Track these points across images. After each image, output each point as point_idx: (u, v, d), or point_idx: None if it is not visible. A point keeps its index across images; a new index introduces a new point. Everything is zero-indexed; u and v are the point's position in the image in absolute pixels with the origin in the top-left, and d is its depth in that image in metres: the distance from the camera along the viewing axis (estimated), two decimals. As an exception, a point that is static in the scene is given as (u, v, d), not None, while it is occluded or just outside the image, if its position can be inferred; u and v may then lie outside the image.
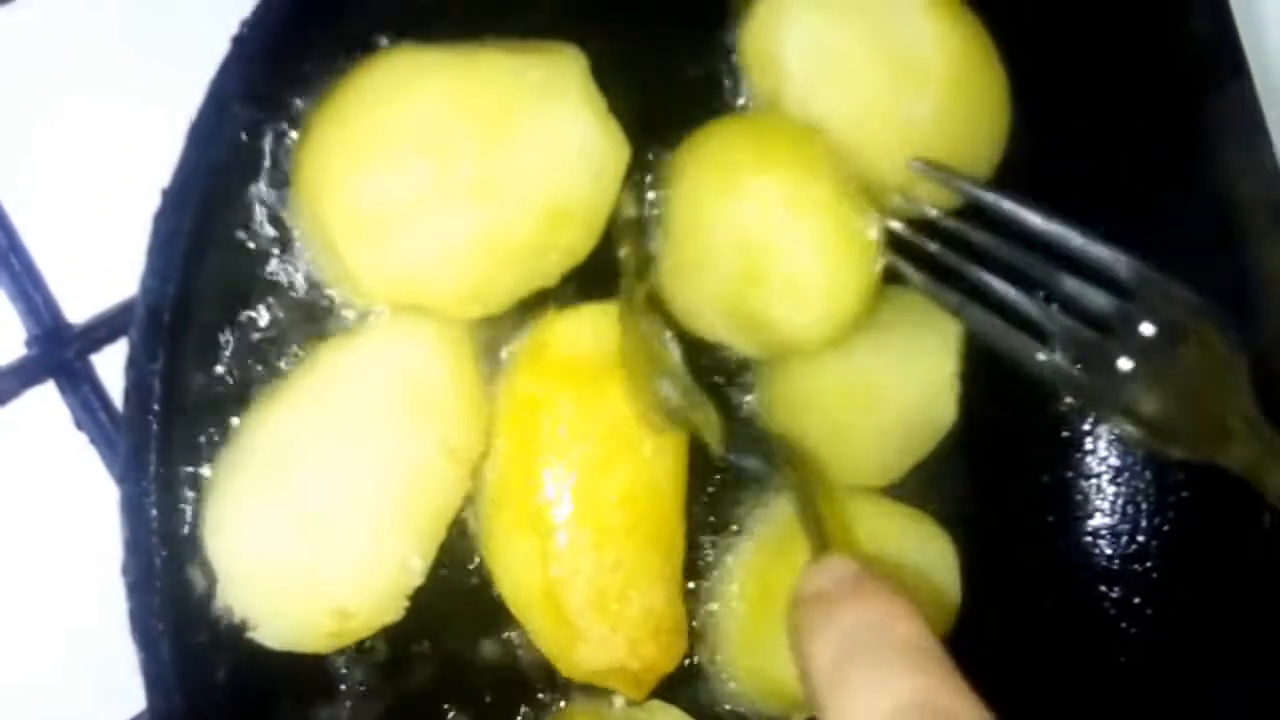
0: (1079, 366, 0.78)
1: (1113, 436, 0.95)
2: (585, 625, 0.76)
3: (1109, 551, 0.95)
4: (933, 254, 0.81)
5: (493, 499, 0.78)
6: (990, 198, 0.81)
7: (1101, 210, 0.92)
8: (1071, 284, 0.79)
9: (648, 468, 0.78)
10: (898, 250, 0.80)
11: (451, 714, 0.83)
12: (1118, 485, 0.95)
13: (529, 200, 0.75)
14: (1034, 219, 0.79)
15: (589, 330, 0.80)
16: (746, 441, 0.79)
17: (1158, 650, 0.93)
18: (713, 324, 0.83)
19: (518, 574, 0.77)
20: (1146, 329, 0.78)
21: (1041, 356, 0.79)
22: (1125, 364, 0.78)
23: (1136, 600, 0.94)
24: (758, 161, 0.79)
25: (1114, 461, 0.96)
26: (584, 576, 0.76)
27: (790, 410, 0.87)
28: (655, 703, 0.83)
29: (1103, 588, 0.95)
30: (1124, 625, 0.94)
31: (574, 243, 0.78)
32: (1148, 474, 0.95)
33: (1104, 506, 0.95)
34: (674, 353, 0.79)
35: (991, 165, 0.88)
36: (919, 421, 0.88)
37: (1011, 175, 0.88)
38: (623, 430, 0.77)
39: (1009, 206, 0.80)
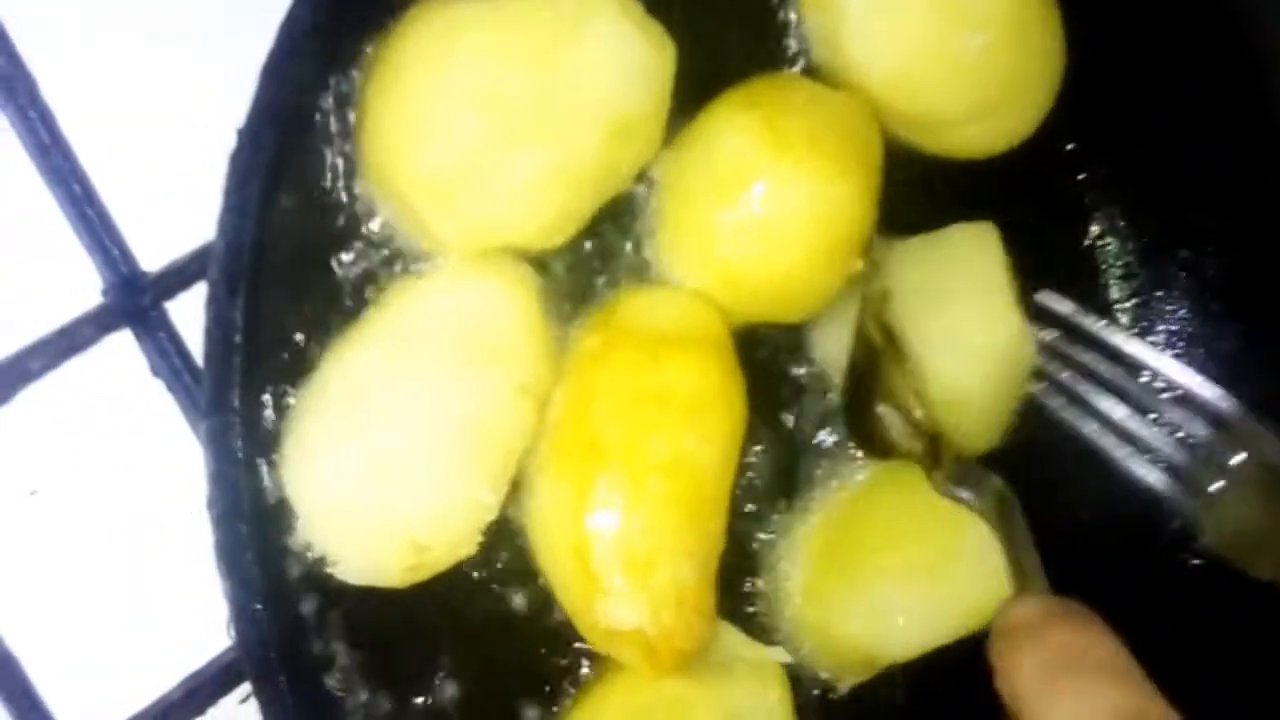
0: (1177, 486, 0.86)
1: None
2: (608, 579, 0.75)
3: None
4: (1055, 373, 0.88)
5: (541, 445, 0.79)
6: (1106, 330, 0.88)
7: (1149, 155, 0.94)
8: (1173, 412, 0.86)
9: (694, 446, 0.78)
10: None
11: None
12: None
13: (589, 125, 0.76)
14: (1143, 352, 0.87)
15: (659, 307, 0.81)
16: (963, 477, 0.80)
17: (1215, 578, 0.92)
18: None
19: (551, 520, 0.78)
20: (1236, 459, 0.85)
21: (1145, 473, 0.86)
22: (1215, 487, 0.85)
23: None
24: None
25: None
26: (615, 533, 0.75)
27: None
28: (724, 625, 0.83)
29: (1161, 518, 0.94)
30: (1182, 554, 0.94)
31: (640, 151, 0.80)
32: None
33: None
34: (907, 385, 0.83)
35: (1045, 106, 0.89)
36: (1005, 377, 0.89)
37: (1064, 116, 0.89)
38: (674, 403, 0.77)
39: (1121, 339, 0.87)
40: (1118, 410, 0.87)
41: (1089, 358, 0.87)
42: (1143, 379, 0.87)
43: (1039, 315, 0.88)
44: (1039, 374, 0.88)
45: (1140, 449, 0.86)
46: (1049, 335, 0.88)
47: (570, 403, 0.79)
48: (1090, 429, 0.87)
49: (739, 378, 0.81)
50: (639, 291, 0.83)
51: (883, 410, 0.83)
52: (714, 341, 0.81)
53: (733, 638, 0.84)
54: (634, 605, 0.76)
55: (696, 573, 0.78)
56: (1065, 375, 0.88)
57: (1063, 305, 0.88)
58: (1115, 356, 0.87)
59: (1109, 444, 0.87)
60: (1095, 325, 0.88)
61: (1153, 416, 0.87)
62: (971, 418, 0.87)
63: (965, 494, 0.79)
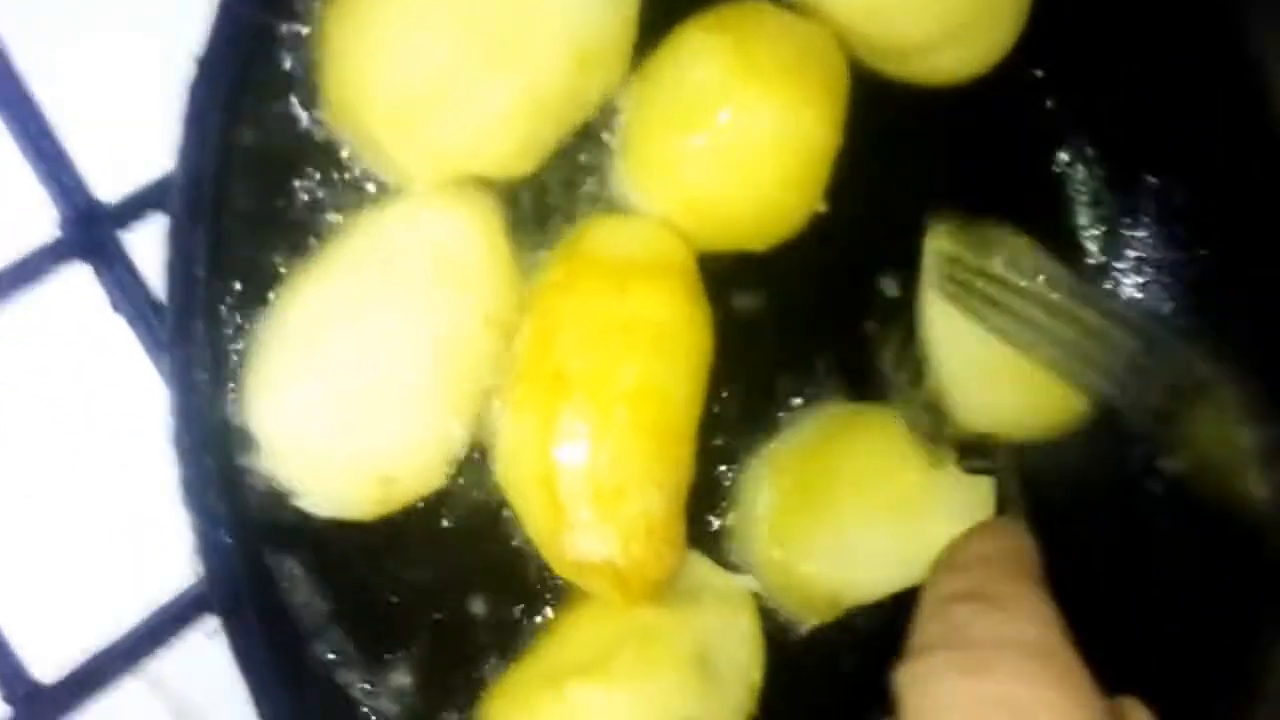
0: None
1: (1138, 298, 0.96)
2: (575, 511, 0.75)
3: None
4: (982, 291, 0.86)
5: (507, 377, 0.78)
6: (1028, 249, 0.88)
7: (1116, 82, 0.93)
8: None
9: (661, 374, 0.77)
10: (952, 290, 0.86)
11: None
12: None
13: (556, 51, 0.75)
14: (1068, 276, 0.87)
15: (625, 235, 0.81)
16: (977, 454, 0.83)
17: (1180, 512, 0.93)
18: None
19: (517, 451, 0.77)
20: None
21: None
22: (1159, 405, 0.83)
23: (1159, 462, 0.94)
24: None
25: (1138, 323, 0.96)
26: (581, 463, 0.75)
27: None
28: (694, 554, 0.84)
29: (1127, 446, 0.95)
30: (1146, 486, 0.94)
31: (606, 79, 0.79)
32: (1170, 335, 0.95)
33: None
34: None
35: (1013, 32, 0.88)
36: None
37: (1032, 42, 0.88)
38: (640, 332, 0.77)
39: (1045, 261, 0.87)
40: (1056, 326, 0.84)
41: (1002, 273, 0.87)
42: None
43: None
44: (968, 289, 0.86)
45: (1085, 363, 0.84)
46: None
47: (535, 333, 0.78)
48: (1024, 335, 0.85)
49: (705, 307, 0.81)
50: (604, 220, 0.82)
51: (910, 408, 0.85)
52: (680, 270, 0.80)
53: (701, 566, 0.85)
54: (603, 536, 0.75)
55: (665, 502, 0.77)
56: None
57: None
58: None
59: (1056, 356, 0.84)
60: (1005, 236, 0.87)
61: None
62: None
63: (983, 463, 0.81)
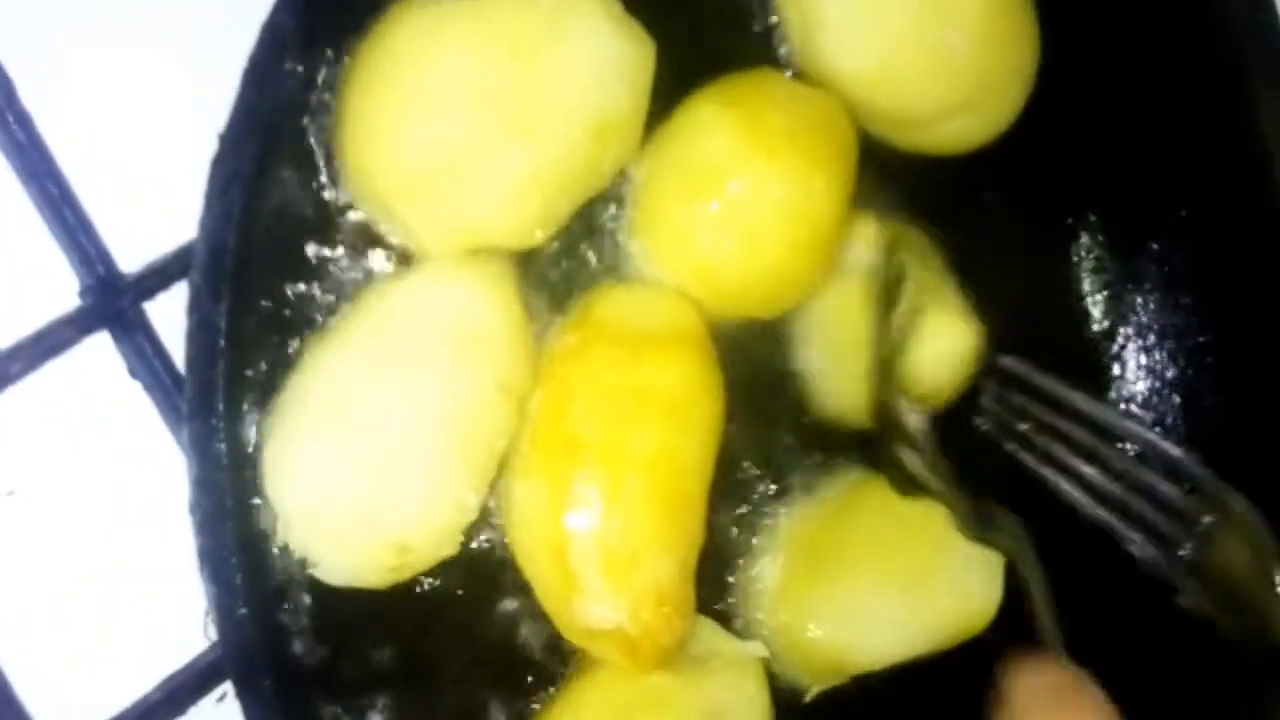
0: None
1: (1140, 363, 0.97)
2: (587, 579, 0.75)
3: (1138, 477, 0.96)
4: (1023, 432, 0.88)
5: (519, 443, 0.79)
6: (1073, 394, 0.88)
7: (1119, 149, 0.94)
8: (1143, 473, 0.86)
9: (674, 442, 0.78)
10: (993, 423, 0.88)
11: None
12: (1145, 410, 0.97)
13: (571, 124, 0.76)
14: (1112, 417, 0.88)
15: (637, 304, 0.81)
16: (983, 519, 0.83)
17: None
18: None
19: (529, 518, 0.78)
20: (1207, 520, 0.85)
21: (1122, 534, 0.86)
22: (1188, 550, 0.85)
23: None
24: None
25: (1141, 388, 0.97)
26: (593, 531, 0.75)
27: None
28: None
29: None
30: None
31: (620, 150, 0.80)
32: (1176, 398, 0.96)
33: (1134, 432, 0.97)
34: (920, 426, 0.85)
35: (1019, 103, 0.89)
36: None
37: (1037, 111, 0.89)
38: (653, 401, 0.77)
39: (1088, 403, 0.88)
40: (1089, 470, 0.87)
41: (1059, 421, 0.88)
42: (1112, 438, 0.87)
43: (1002, 378, 0.88)
44: (1009, 432, 0.88)
45: (1114, 510, 0.86)
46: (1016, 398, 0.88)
47: (548, 400, 0.78)
48: (1065, 488, 0.87)
49: (718, 374, 0.81)
50: (617, 288, 0.83)
51: (902, 450, 0.84)
52: (693, 338, 0.81)
53: (710, 631, 0.85)
54: (613, 604, 0.76)
55: (676, 570, 0.78)
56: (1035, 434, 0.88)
57: (1024, 368, 0.89)
58: (1082, 419, 0.87)
59: (1084, 503, 0.87)
60: (1054, 386, 0.88)
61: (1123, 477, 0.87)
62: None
63: (990, 534, 0.81)
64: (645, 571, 0.76)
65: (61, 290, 0.81)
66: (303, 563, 0.74)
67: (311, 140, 0.76)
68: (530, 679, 0.84)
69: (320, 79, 0.76)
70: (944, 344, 0.86)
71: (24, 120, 0.80)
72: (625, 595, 0.76)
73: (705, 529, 0.81)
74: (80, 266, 0.81)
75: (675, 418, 0.78)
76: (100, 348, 0.81)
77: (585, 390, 0.78)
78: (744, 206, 0.80)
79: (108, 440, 0.83)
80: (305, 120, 0.76)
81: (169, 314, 0.80)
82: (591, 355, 0.79)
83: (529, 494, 0.78)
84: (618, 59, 0.77)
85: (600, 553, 0.76)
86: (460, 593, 0.81)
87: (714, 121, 0.81)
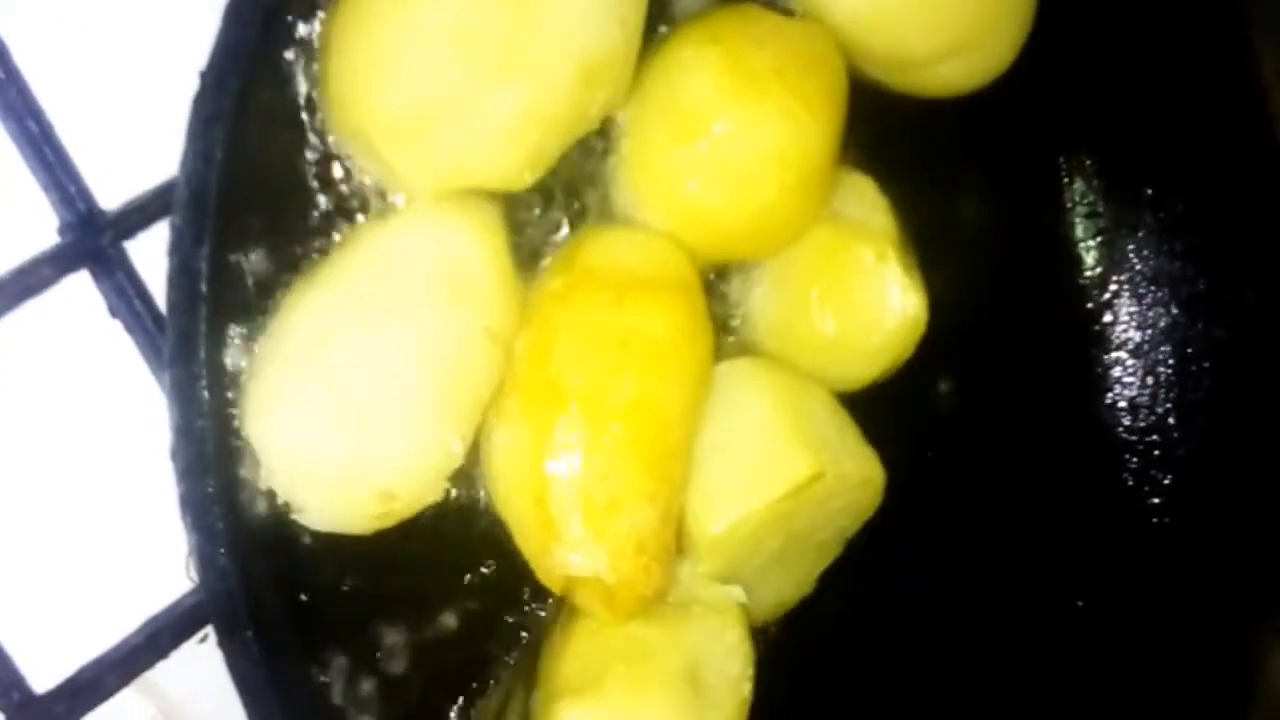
0: None
1: (1133, 310, 0.96)
2: (566, 525, 0.75)
3: (1127, 423, 0.96)
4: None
5: (503, 387, 0.78)
6: None
7: (1115, 94, 0.94)
8: None
9: (657, 390, 0.77)
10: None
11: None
12: (1137, 359, 0.96)
13: (561, 65, 0.74)
14: None
15: (624, 248, 0.81)
16: None
17: (1175, 519, 0.94)
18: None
19: (510, 462, 0.77)
20: None
21: None
22: None
23: (1155, 471, 0.95)
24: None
25: (1133, 335, 0.96)
26: (573, 477, 0.75)
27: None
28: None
29: (1122, 458, 0.96)
30: (1143, 495, 0.95)
31: (611, 93, 0.78)
32: (1166, 348, 0.96)
33: (1125, 379, 0.96)
34: None
35: (1016, 45, 0.88)
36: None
37: (1033, 55, 0.88)
38: (636, 347, 0.77)
39: None
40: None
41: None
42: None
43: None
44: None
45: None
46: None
47: (532, 344, 0.78)
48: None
49: (706, 322, 0.81)
50: (603, 232, 0.82)
51: None
52: (681, 284, 0.80)
53: (690, 577, 0.84)
54: (592, 552, 0.75)
55: (657, 519, 0.77)
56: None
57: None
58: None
59: None
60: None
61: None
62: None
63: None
64: (625, 520, 0.75)
65: (41, 228, 0.80)
66: (286, 509, 0.73)
67: (295, 80, 0.75)
68: (513, 628, 0.84)
69: (304, 16, 0.74)
70: (889, 308, 0.85)
71: (2, 55, 0.78)
72: (604, 543, 0.75)
73: (688, 481, 0.80)
74: (60, 204, 0.80)
75: (659, 364, 0.77)
76: (80, 286, 0.80)
77: (569, 335, 0.77)
78: (731, 148, 0.79)
79: (88, 380, 0.82)
80: (289, 59, 0.74)
81: (150, 252, 0.79)
82: (576, 299, 0.78)
83: (510, 439, 0.77)
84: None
85: (580, 500, 0.75)
86: (444, 540, 0.80)
87: (697, 61, 0.80)
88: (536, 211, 0.82)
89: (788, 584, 0.89)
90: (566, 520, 0.75)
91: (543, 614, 0.84)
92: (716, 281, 0.87)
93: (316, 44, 0.74)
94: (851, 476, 0.84)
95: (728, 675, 0.83)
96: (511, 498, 0.78)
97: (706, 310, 0.81)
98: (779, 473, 0.80)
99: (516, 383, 0.77)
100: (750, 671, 0.84)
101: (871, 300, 0.85)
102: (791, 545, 0.85)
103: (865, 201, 0.87)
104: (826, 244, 0.86)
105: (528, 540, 0.78)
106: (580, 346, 0.77)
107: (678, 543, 0.81)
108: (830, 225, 0.86)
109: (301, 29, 0.74)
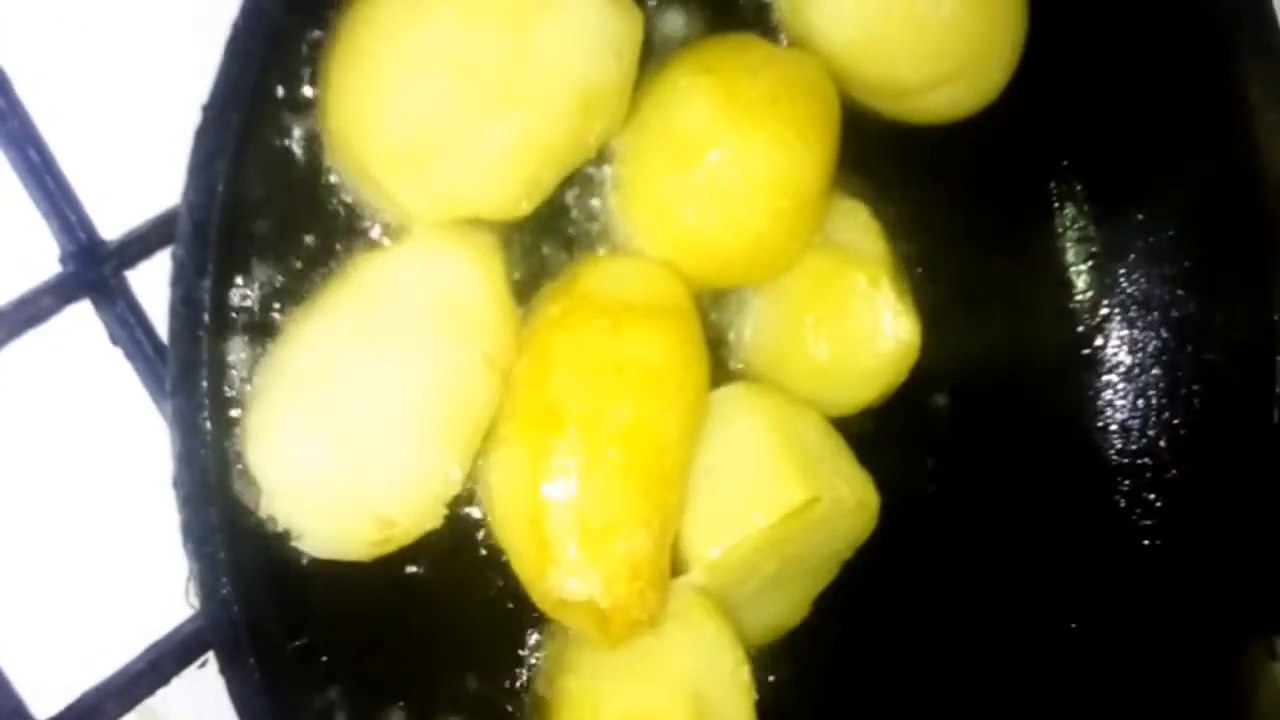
0: None
1: (1123, 334, 0.97)
2: (561, 549, 0.75)
3: (1119, 446, 0.97)
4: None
5: (502, 411, 0.78)
6: None
7: (1106, 120, 0.94)
8: None
9: (654, 415, 0.77)
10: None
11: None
12: (1128, 382, 0.97)
13: (559, 95, 0.75)
14: None
15: (621, 275, 0.81)
16: None
17: (1167, 541, 0.95)
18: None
19: (507, 487, 0.77)
20: None
21: None
22: None
23: (1146, 494, 0.96)
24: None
25: (1124, 359, 0.97)
26: (569, 500, 0.75)
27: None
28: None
29: (1114, 480, 0.96)
30: (1134, 518, 0.96)
31: (608, 123, 0.79)
32: (1156, 371, 0.96)
33: (1115, 402, 0.97)
34: None
35: (1007, 72, 0.89)
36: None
37: (1024, 81, 0.89)
38: (633, 373, 0.77)
39: None
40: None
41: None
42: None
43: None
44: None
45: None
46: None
47: (530, 369, 0.78)
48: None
49: (702, 348, 0.81)
50: (601, 260, 0.83)
51: None
52: (677, 311, 0.81)
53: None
54: (587, 576, 0.75)
55: (652, 544, 0.77)
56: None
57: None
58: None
59: None
60: None
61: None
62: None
63: None
64: (620, 544, 0.76)
65: (42, 258, 0.80)
66: (286, 536, 0.73)
67: (296, 113, 0.75)
68: (516, 653, 0.84)
69: (304, 50, 0.75)
70: (883, 334, 0.85)
71: (4, 86, 0.79)
72: (599, 567, 0.75)
73: (683, 506, 0.81)
74: (61, 234, 0.80)
75: (655, 390, 0.78)
76: (82, 316, 0.81)
77: (567, 360, 0.78)
78: (726, 176, 0.80)
79: (89, 408, 0.83)
80: (289, 92, 0.75)
81: (151, 282, 0.79)
82: (574, 325, 0.79)
83: (507, 462, 0.77)
84: (606, 30, 0.76)
85: (576, 523, 0.75)
86: (444, 566, 0.81)
87: (691, 90, 0.81)
88: (534, 241, 0.82)
89: (783, 608, 0.89)
90: (562, 543, 0.75)
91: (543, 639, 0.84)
92: (710, 307, 0.87)
93: (317, 77, 0.75)
94: (846, 501, 0.84)
95: (729, 700, 0.83)
96: (508, 520, 0.78)
97: (702, 337, 0.82)
98: (774, 498, 0.81)
99: (515, 407, 0.78)
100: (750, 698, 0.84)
101: (865, 325, 0.85)
102: (786, 569, 0.85)
103: (858, 226, 0.88)
104: (820, 269, 0.86)
105: (523, 563, 0.78)
106: (577, 371, 0.77)
107: (672, 568, 0.81)
108: (823, 251, 0.86)
109: (303, 61, 0.75)
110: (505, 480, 0.78)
